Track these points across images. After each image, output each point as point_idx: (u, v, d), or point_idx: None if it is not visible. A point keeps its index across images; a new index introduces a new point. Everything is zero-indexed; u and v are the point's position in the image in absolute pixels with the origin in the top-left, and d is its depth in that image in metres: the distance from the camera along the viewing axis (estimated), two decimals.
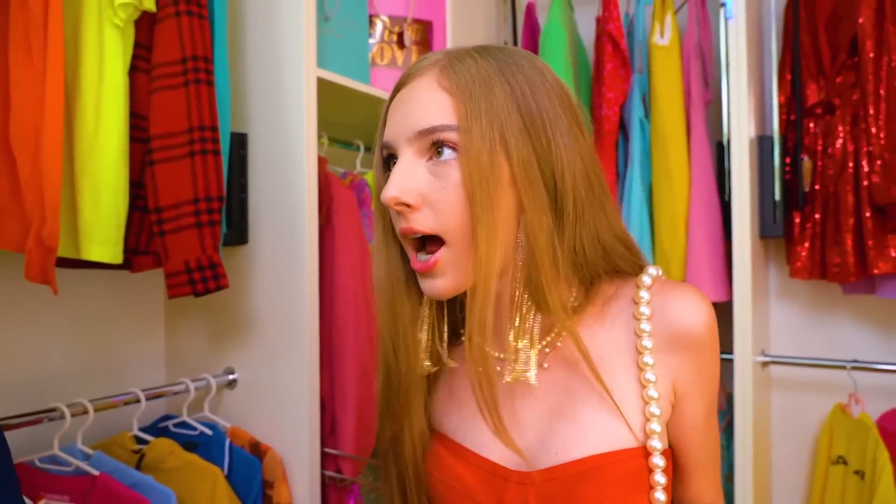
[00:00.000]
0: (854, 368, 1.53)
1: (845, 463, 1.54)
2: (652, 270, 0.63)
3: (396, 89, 0.62)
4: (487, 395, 0.60)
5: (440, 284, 0.58)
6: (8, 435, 0.98)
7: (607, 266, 0.62)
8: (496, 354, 0.65)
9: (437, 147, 0.57)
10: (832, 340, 1.72)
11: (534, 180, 0.56)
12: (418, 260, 0.59)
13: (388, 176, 0.60)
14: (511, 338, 0.60)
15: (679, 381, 0.61)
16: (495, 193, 0.55)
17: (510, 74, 0.58)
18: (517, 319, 0.59)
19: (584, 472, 0.57)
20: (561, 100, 0.60)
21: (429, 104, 0.57)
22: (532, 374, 0.59)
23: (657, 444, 0.59)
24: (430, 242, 0.59)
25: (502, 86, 0.57)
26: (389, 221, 0.63)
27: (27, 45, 0.89)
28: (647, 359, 0.60)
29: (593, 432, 0.58)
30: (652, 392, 0.59)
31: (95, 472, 1.00)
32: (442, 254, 0.57)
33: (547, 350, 0.64)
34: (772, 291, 1.80)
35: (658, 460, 0.59)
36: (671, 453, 0.63)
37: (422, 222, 0.57)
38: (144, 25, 1.05)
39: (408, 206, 0.57)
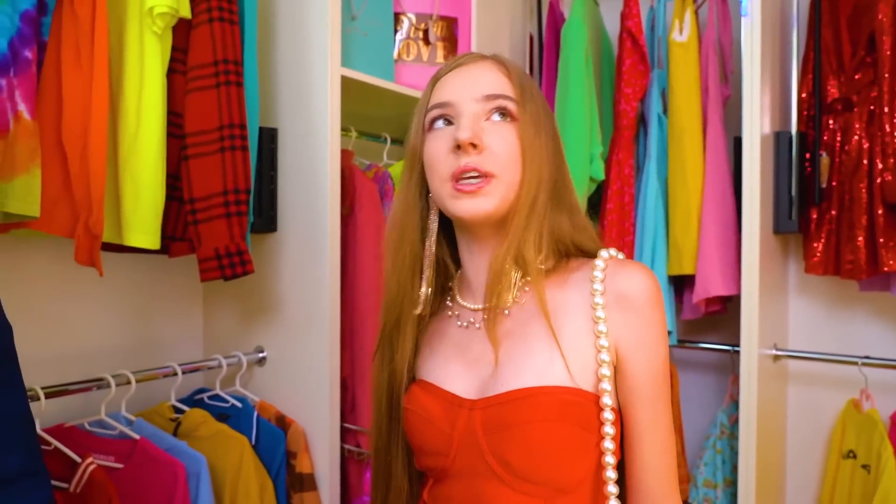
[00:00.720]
0: (865, 364, 1.54)
1: (854, 457, 1.55)
2: (612, 251, 0.75)
3: (450, 69, 0.77)
4: (493, 283, 0.73)
5: (483, 202, 0.71)
6: (60, 400, 1.10)
7: (565, 244, 0.76)
8: (470, 307, 0.79)
9: (498, 110, 0.73)
10: (849, 336, 1.72)
11: (549, 159, 0.74)
12: (469, 185, 0.71)
13: (430, 136, 0.75)
14: (508, 267, 0.73)
15: (619, 339, 0.70)
16: (538, 155, 0.73)
17: (537, 87, 0.78)
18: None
19: (515, 399, 0.69)
20: (555, 124, 0.79)
21: (494, 77, 0.74)
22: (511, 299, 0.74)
23: (607, 386, 0.69)
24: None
25: (534, 90, 0.76)
26: (419, 172, 0.78)
27: (77, 52, 0.99)
28: (600, 313, 0.71)
29: (532, 370, 0.70)
30: (603, 342, 0.70)
31: (136, 437, 1.12)
32: (492, 181, 0.71)
33: (512, 302, 0.76)
34: (791, 287, 1.80)
35: (607, 399, 0.69)
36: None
37: (483, 164, 0.71)
38: (181, 30, 1.14)
39: (474, 146, 0.71)
